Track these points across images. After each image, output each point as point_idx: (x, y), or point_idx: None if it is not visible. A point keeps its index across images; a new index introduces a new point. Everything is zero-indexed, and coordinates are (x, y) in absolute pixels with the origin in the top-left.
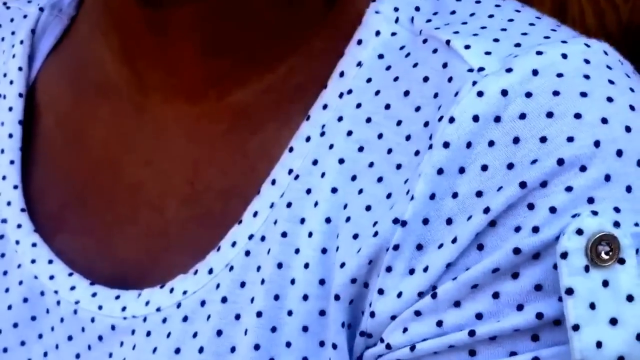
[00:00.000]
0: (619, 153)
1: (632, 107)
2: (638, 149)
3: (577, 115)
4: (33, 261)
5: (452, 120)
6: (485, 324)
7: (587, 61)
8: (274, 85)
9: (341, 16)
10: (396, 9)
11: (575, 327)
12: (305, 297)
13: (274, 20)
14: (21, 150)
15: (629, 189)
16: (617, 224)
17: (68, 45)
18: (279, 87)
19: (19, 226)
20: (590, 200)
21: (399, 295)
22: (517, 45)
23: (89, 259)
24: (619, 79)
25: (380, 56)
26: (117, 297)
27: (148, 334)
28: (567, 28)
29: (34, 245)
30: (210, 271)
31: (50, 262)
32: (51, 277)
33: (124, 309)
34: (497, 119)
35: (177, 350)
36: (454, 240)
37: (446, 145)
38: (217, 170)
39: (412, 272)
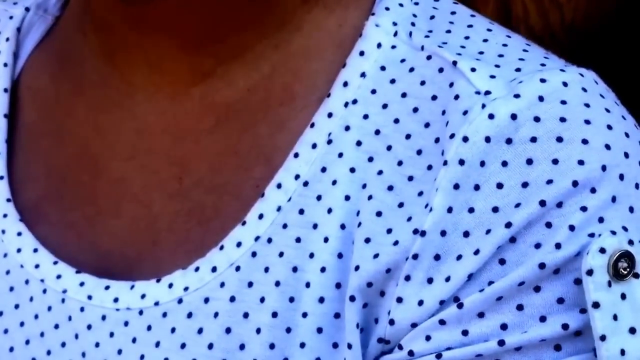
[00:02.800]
0: (621, 177)
1: (627, 135)
2: (635, 173)
3: (585, 141)
4: (19, 250)
5: (465, 139)
6: (512, 334)
7: (584, 89)
8: (259, 84)
9: (325, 17)
10: (395, 24)
11: (603, 338)
12: (322, 300)
13: (252, 15)
14: (7, 143)
15: (631, 209)
16: (631, 242)
17: (51, 43)
18: (265, 86)
19: (5, 216)
20: (601, 220)
21: (420, 303)
22: (517, 70)
23: (72, 249)
24: (612, 107)
25: (382, 68)
26: (107, 288)
27: (149, 327)
28: (554, 56)
29: (19, 234)
30: (214, 269)
31: (35, 250)
32: (36, 266)
33: (116, 300)
34: (509, 141)
35: (183, 345)
36: (476, 252)
37: (461, 162)
38: (207, 167)
39: (430, 281)
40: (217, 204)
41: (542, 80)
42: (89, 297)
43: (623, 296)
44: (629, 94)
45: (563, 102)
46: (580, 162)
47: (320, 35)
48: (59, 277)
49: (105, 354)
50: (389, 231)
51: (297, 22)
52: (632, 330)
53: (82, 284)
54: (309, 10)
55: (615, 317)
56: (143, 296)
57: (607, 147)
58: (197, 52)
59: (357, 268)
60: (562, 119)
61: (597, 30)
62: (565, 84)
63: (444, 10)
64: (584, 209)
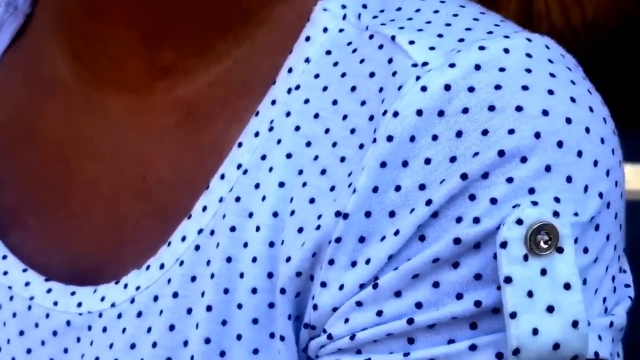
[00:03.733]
0: (560, 144)
1: (572, 99)
2: (578, 140)
3: (518, 108)
4: None
5: (396, 114)
6: (424, 313)
7: (529, 55)
8: (220, 78)
9: (288, 10)
10: (344, 7)
11: (513, 315)
12: (254, 291)
13: (215, 11)
14: None
15: (569, 179)
16: (556, 214)
17: (23, 42)
18: (226, 81)
19: None
20: (531, 191)
21: (341, 287)
22: (461, 40)
23: (45, 255)
24: (561, 72)
25: (328, 52)
26: (73, 293)
27: (104, 329)
28: (511, 23)
29: None
30: (162, 266)
31: (5, 257)
32: (5, 273)
33: (79, 304)
34: (441, 114)
35: (133, 346)
36: (397, 233)
37: (390, 138)
38: (168, 165)
39: (354, 264)
40: (176, 201)
41: (481, 48)
42: (55, 304)
43: (543, 272)
44: None
45: (501, 70)
46: (511, 131)
47: (282, 28)
48: (27, 284)
49: (72, 358)
50: (319, 217)
51: (261, 18)
52: (550, 309)
53: (49, 290)
54: (272, 6)
55: (530, 294)
56: (102, 299)
57: (545, 112)
58: (156, 46)
59: (288, 259)
60: (497, 87)
61: (618, 28)
62: (506, 50)
63: None
64: (509, 180)
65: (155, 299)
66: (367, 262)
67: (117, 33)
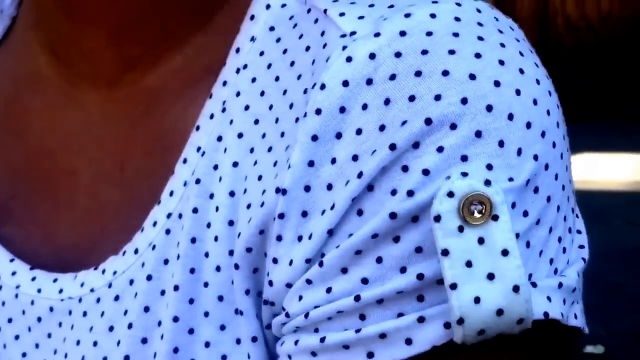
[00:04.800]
0: (489, 108)
1: (501, 62)
2: (509, 103)
3: (445, 73)
4: None
5: (323, 87)
6: (370, 289)
7: (457, 19)
8: (182, 66)
9: None
10: None
11: (453, 286)
12: (218, 268)
13: (177, 2)
14: None
15: (501, 143)
16: (488, 182)
17: (8, 42)
18: (188, 67)
19: None
20: (464, 158)
21: (290, 263)
22: (390, 7)
23: (33, 247)
24: (490, 35)
25: (272, 29)
26: (55, 280)
27: (84, 314)
28: None
29: None
30: (136, 251)
31: None
32: None
33: (60, 291)
34: (369, 82)
35: (111, 328)
36: (333, 207)
37: (318, 112)
38: (141, 153)
39: (300, 239)
40: (150, 188)
41: (407, 15)
42: (39, 291)
43: (480, 241)
44: None
45: (428, 34)
46: (437, 97)
47: (238, 11)
48: (14, 273)
49: (55, 344)
50: (263, 192)
51: (219, 3)
52: (490, 276)
53: (33, 278)
54: None
55: (469, 264)
56: (82, 284)
57: (472, 76)
58: (124, 40)
59: (239, 235)
60: (424, 52)
61: (633, 20)
62: (433, 15)
63: None
64: (440, 149)
65: (131, 282)
66: (310, 236)
67: (88, 31)
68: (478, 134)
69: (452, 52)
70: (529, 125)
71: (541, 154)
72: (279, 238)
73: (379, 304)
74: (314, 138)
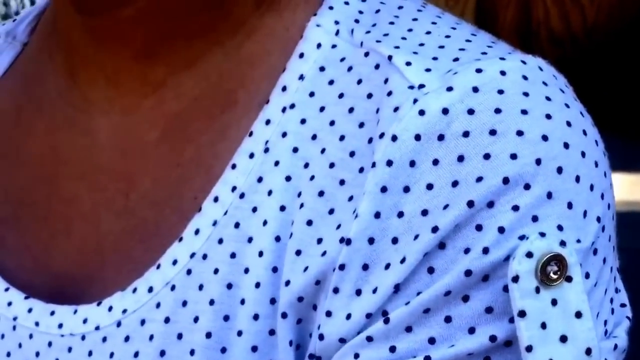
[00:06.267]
0: (559, 170)
1: (568, 124)
2: (576, 165)
3: (519, 133)
4: None
5: (394, 138)
6: (439, 349)
7: (525, 77)
8: (206, 93)
9: (275, 22)
10: (337, 22)
11: (529, 348)
12: (256, 317)
13: (204, 24)
14: None
15: (569, 205)
16: (563, 243)
17: (18, 67)
18: (211, 95)
19: None
20: (535, 219)
21: (348, 317)
22: (455, 60)
23: (27, 275)
24: (555, 95)
25: (322, 69)
26: (52, 313)
27: (90, 353)
28: (503, 44)
29: None
30: (150, 289)
31: None
32: None
33: (60, 325)
34: (441, 137)
35: None
36: (403, 260)
37: (389, 163)
38: (150, 181)
39: (359, 292)
40: (158, 220)
41: (478, 71)
42: (37, 324)
43: (554, 302)
44: None
45: (500, 92)
46: (513, 156)
47: (268, 40)
48: (10, 304)
49: None
50: (319, 241)
51: (249, 29)
52: (563, 339)
53: (30, 310)
54: (260, 16)
55: (543, 326)
56: (85, 320)
57: (544, 138)
58: (149, 61)
59: (287, 283)
60: (497, 110)
61: (619, 32)
62: (503, 73)
63: (391, 4)
64: (515, 208)
65: (143, 322)
66: (374, 291)
67: (114, 52)
68: (549, 195)
69: (524, 112)
70: (592, 187)
71: (602, 215)
72: (336, 290)
73: None
74: (383, 189)
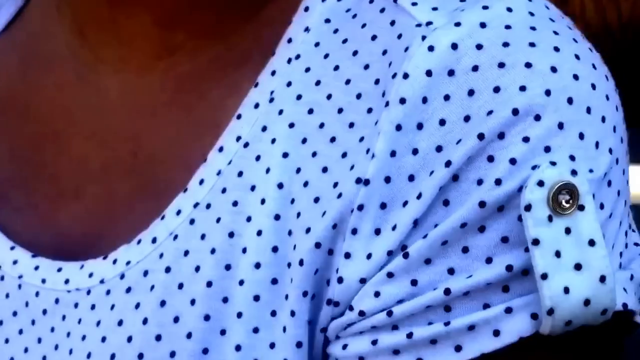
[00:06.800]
0: (570, 101)
1: (577, 57)
2: (586, 96)
3: (528, 65)
4: None
5: (406, 76)
6: (458, 280)
7: (531, 13)
8: (221, 53)
9: None
10: None
11: (544, 276)
12: (258, 265)
13: None
14: None
15: (581, 135)
16: (574, 172)
17: (20, 22)
18: (226, 55)
19: None
20: (547, 149)
21: (369, 256)
22: (463, 0)
23: (33, 232)
24: (563, 30)
25: (327, 20)
26: (59, 270)
27: (92, 307)
28: None
29: None
30: (154, 240)
31: None
32: None
33: (67, 281)
34: (451, 73)
35: (120, 322)
36: (419, 196)
37: (402, 101)
38: (160, 140)
39: (378, 232)
40: (167, 176)
41: (485, 7)
42: (43, 281)
43: (567, 231)
44: None
45: (507, 27)
46: (522, 88)
47: (289, 3)
48: (15, 262)
49: (58, 338)
50: (335, 185)
51: None
52: (578, 267)
53: (36, 267)
54: None
55: (558, 254)
56: (90, 275)
57: (553, 69)
58: (170, 27)
59: (308, 230)
60: (505, 44)
61: None
62: (509, 9)
63: None
64: (526, 139)
65: (146, 273)
66: (394, 228)
67: (133, 15)
68: (560, 125)
69: (532, 44)
70: (603, 119)
71: (614, 148)
72: (354, 231)
73: (465, 296)
74: (398, 128)
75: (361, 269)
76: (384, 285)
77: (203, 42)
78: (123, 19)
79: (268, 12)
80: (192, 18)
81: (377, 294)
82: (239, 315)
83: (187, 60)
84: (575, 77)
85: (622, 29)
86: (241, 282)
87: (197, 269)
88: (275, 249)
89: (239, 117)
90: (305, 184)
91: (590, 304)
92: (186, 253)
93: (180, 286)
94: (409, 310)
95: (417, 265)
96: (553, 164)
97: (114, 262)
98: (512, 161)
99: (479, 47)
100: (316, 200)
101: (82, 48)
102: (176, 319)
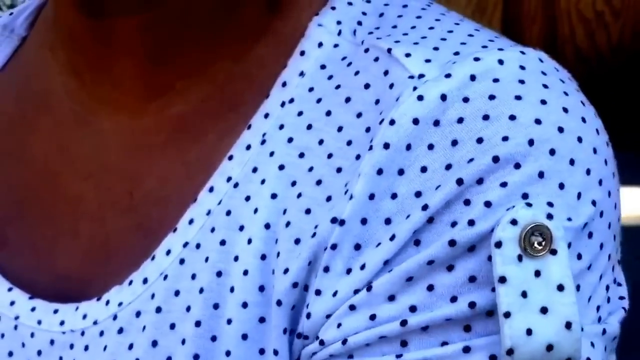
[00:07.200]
0: (552, 152)
1: (565, 109)
2: (570, 149)
3: (512, 117)
4: None
5: (392, 122)
6: (418, 315)
7: (522, 67)
8: (212, 94)
9: (283, 25)
10: (339, 22)
11: (507, 315)
12: (245, 305)
13: (214, 29)
14: None
15: (561, 185)
16: (550, 216)
17: (16, 62)
18: (218, 95)
19: None
20: (525, 196)
21: (334, 294)
22: (456, 53)
23: (31, 274)
24: (554, 83)
25: (323, 67)
26: (56, 311)
27: (86, 348)
28: (505, 38)
29: None
30: (145, 281)
31: None
32: None
33: (62, 323)
34: (436, 123)
35: None
36: (392, 238)
37: (386, 146)
38: (155, 180)
39: (349, 271)
40: (160, 216)
41: (476, 59)
42: (39, 322)
43: (537, 273)
44: None
45: (495, 80)
46: (505, 138)
47: (275, 42)
48: (12, 303)
49: None
50: (316, 227)
51: (257, 33)
52: (544, 310)
53: (33, 309)
54: (268, 20)
55: (524, 294)
56: (84, 316)
57: (538, 121)
58: (157, 68)
59: (286, 271)
60: (491, 97)
61: None
62: (501, 62)
63: (396, 3)
64: (503, 184)
65: (138, 314)
66: (362, 267)
67: (121, 56)
68: (541, 174)
69: (518, 97)
70: (588, 171)
71: (598, 200)
72: (326, 269)
73: (423, 331)
74: (379, 172)
75: (327, 305)
76: (345, 317)
77: (192, 81)
78: (112, 59)
79: (257, 52)
80: (177, 58)
81: (339, 325)
82: (228, 353)
83: (179, 102)
84: (560, 129)
85: (612, 53)
86: (229, 321)
87: (188, 309)
88: (262, 288)
89: (230, 158)
90: (287, 224)
91: (553, 349)
92: (177, 293)
93: (172, 326)
94: (363, 340)
95: (379, 300)
96: (529, 205)
97: (107, 303)
98: (487, 204)
99: (466, 99)
100: (297, 241)
101: (78, 89)
102: (168, 359)
